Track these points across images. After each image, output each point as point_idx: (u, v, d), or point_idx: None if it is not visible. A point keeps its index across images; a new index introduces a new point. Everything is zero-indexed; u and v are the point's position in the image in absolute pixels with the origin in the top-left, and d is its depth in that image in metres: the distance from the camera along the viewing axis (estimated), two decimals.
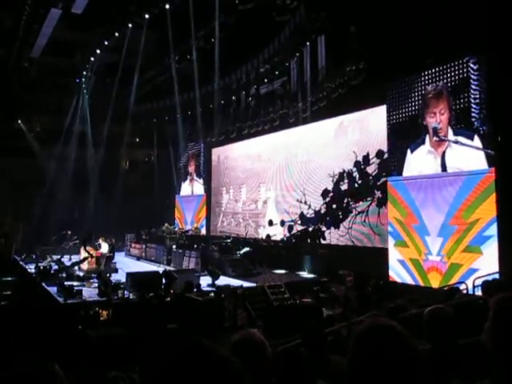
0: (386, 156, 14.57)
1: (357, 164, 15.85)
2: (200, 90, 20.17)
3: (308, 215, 17.85)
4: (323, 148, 17.45)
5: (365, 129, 15.83)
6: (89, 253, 15.13)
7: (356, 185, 15.92)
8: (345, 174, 16.30)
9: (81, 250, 16.17)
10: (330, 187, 16.89)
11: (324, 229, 17.00)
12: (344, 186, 16.38)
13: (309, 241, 17.45)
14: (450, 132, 12.06)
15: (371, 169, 15.41)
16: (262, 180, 20.90)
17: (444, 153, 12.26)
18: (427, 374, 1.39)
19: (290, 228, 18.61)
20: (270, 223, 19.63)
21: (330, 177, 16.84)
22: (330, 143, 17.22)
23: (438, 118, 12.37)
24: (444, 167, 12.24)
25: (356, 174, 15.91)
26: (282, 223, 19.03)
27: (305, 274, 15.65)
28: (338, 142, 16.87)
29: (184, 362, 0.98)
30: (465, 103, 11.70)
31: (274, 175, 20.22)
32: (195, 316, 10.16)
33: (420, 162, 12.84)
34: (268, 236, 19.12)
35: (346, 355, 1.37)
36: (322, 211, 17.15)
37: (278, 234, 19.08)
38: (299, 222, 18.26)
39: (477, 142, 11.37)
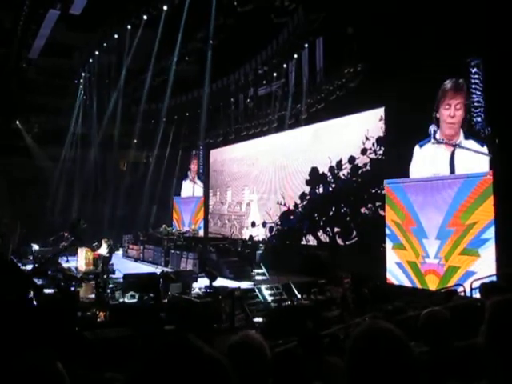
0: (356, 162, 15.50)
1: (331, 169, 16.54)
2: (198, 91, 20.21)
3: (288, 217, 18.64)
4: (302, 153, 18.16)
5: (340, 135, 16.37)
6: (78, 237, 14.92)
7: (330, 188, 16.65)
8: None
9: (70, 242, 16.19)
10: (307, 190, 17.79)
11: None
12: (320, 189, 17.20)
13: (287, 242, 18.18)
14: (462, 135, 11.97)
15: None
16: (246, 183, 21.53)
17: (453, 152, 12.19)
18: (424, 376, 1.40)
19: (271, 229, 19.29)
20: (253, 224, 20.39)
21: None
22: (308, 149, 17.87)
23: (452, 111, 12.11)
24: (452, 166, 12.18)
25: (331, 179, 16.65)
26: (264, 224, 19.67)
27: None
28: (315, 148, 17.47)
29: (172, 361, 0.97)
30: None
31: (257, 178, 20.92)
32: (193, 317, 10.15)
33: (429, 157, 12.76)
34: (251, 237, 19.76)
35: (344, 357, 1.38)
36: (300, 213, 17.90)
37: (261, 234, 19.81)
38: (279, 223, 19.01)
39: (473, 144, 11.42)
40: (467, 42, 10.82)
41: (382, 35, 12.54)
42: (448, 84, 12.26)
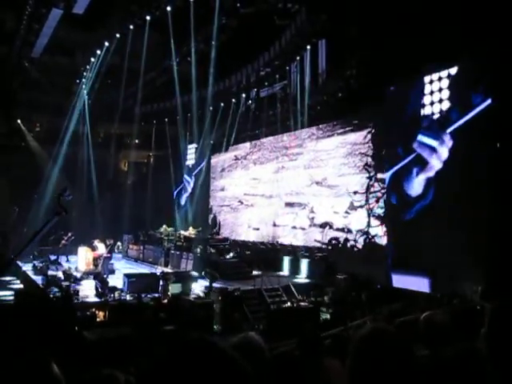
0: None
1: None
2: (200, 91, 20.22)
3: None
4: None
5: None
6: (64, 208, 14.59)
7: None
8: None
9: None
10: None
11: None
12: None
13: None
14: None
15: None
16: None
17: None
18: (425, 379, 1.40)
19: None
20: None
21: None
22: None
23: None
24: None
25: None
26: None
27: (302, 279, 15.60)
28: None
29: (187, 357, 0.96)
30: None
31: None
32: (192, 318, 10.15)
33: None
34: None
35: (344, 359, 1.38)
36: None
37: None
38: None
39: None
40: (468, 44, 10.82)
41: (384, 37, 12.54)
42: None
